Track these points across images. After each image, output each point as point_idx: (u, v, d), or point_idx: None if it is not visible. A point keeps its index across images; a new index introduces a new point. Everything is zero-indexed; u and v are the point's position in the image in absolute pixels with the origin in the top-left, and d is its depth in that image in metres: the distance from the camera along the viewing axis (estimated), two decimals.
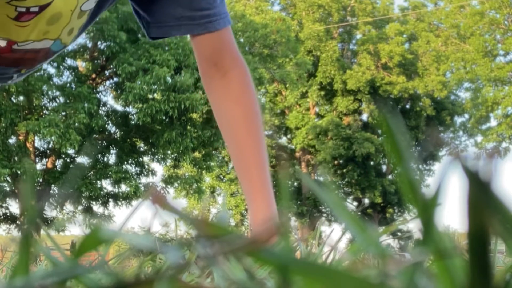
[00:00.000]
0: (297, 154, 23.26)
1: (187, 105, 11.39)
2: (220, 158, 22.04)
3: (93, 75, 13.51)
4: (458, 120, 24.64)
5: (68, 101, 12.39)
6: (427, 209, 0.22)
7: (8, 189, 12.99)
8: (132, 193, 12.42)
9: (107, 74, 13.62)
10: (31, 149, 13.04)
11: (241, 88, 1.25)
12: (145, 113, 11.74)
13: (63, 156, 13.53)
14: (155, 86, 11.70)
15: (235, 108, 1.23)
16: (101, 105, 13.41)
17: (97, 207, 13.65)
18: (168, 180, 13.66)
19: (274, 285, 0.24)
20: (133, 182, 12.69)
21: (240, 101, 1.24)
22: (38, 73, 12.07)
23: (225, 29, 1.22)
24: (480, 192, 0.20)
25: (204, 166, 13.36)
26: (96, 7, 1.17)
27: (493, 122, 21.91)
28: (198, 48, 1.23)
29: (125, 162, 13.37)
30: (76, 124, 11.42)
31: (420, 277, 0.23)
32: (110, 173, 12.67)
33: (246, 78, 1.26)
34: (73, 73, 13.38)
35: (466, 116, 23.88)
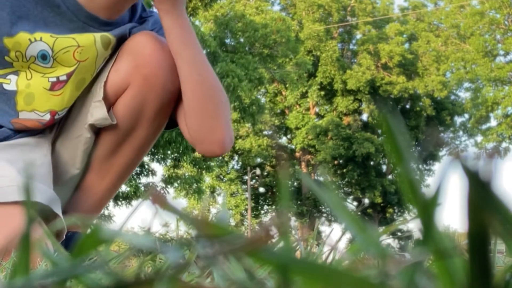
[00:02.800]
0: (297, 154, 23.27)
1: None
2: (220, 158, 22.02)
3: None
4: (458, 120, 24.67)
5: None
6: (427, 209, 0.22)
7: None
8: (132, 193, 12.42)
9: None
10: None
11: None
12: None
13: None
14: None
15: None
16: None
17: None
18: (168, 180, 13.66)
19: (274, 285, 0.24)
20: (133, 182, 12.69)
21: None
22: None
23: None
24: (480, 192, 0.20)
25: (204, 166, 13.37)
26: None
27: (493, 122, 21.95)
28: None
29: None
30: None
31: (420, 277, 0.23)
32: None
33: None
34: None
35: (466, 116, 23.90)
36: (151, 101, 1.26)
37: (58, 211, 1.12)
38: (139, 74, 1.24)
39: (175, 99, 1.28)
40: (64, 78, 1.26)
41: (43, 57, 1.24)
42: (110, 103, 1.29)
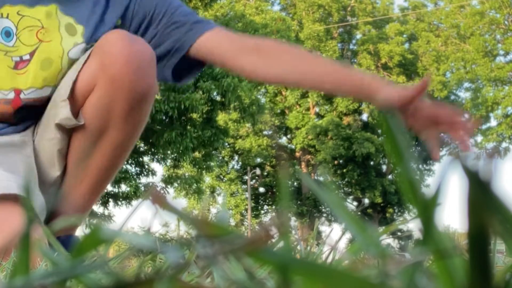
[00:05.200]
0: (297, 154, 23.26)
1: (187, 105, 11.38)
2: (220, 158, 22.01)
3: None
4: None
5: None
6: (427, 209, 0.22)
7: None
8: (132, 193, 12.41)
9: None
10: None
11: (280, 47, 1.32)
12: None
13: None
14: None
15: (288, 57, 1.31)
16: None
17: (97, 207, 13.64)
18: (168, 180, 13.65)
19: (274, 285, 0.24)
20: (133, 182, 12.68)
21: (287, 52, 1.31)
22: None
23: (220, 29, 1.35)
24: (480, 192, 0.20)
25: (204, 166, 13.36)
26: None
27: (493, 122, 21.91)
28: (214, 50, 1.32)
29: (125, 162, 13.35)
30: None
31: (420, 277, 0.23)
32: None
33: (278, 43, 1.35)
34: None
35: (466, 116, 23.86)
36: (119, 102, 1.22)
37: (42, 218, 1.12)
38: (105, 74, 1.21)
39: (146, 99, 1.24)
40: (27, 57, 1.28)
41: (7, 34, 1.26)
42: (79, 104, 1.25)
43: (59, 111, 1.25)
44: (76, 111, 1.25)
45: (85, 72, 1.24)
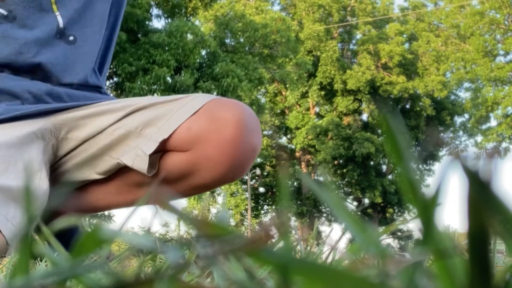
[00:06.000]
0: (297, 154, 23.26)
1: None
2: None
3: None
4: (458, 120, 24.67)
5: None
6: (427, 209, 0.22)
7: None
8: None
9: (107, 74, 13.61)
10: None
11: None
12: None
13: None
14: (155, 86, 11.69)
15: None
16: None
17: None
18: None
19: (274, 285, 0.24)
20: None
21: None
22: None
23: None
24: (480, 192, 0.20)
25: None
26: None
27: (493, 122, 21.97)
28: None
29: None
30: None
31: (420, 277, 0.23)
32: None
33: None
34: None
35: (466, 116, 23.90)
36: (202, 179, 1.16)
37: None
38: (203, 150, 1.14)
39: (226, 183, 1.21)
40: None
41: None
42: (160, 149, 1.17)
43: (136, 158, 1.17)
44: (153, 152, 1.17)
45: (182, 134, 1.15)
